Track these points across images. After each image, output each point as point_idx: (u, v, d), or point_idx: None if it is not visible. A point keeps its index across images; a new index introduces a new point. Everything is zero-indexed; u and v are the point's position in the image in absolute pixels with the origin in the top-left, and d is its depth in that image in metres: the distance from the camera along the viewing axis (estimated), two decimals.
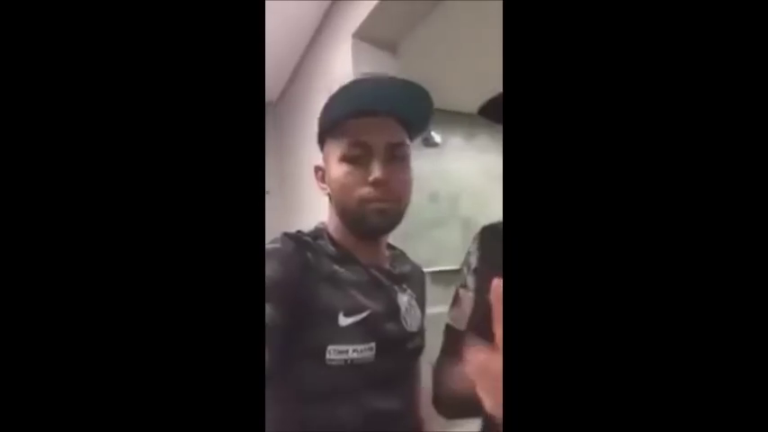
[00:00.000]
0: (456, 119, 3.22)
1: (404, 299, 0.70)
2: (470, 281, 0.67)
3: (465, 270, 0.69)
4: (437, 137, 3.02)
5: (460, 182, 3.23)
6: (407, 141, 0.68)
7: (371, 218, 0.63)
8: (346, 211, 0.65)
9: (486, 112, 0.58)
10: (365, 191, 0.63)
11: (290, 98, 2.66)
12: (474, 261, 0.68)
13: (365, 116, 0.64)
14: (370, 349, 0.62)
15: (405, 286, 0.73)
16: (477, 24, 2.21)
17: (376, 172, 0.62)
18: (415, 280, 0.78)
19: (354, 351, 0.60)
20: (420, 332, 0.72)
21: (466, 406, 0.45)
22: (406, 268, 0.78)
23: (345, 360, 0.60)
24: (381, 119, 0.65)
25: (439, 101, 2.69)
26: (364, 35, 1.68)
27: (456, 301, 0.69)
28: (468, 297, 0.67)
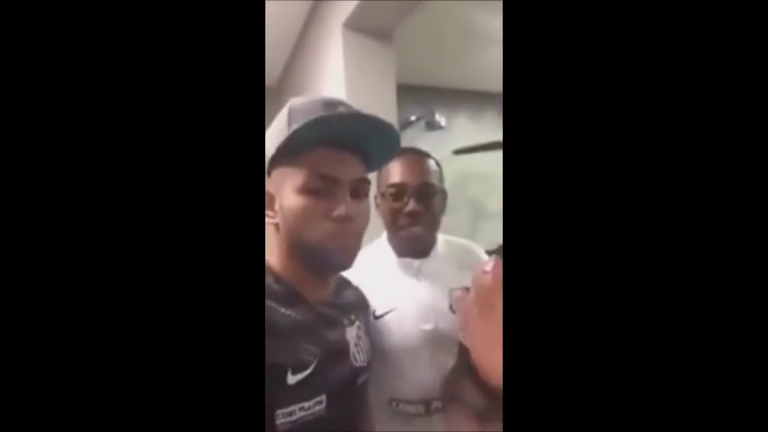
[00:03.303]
0: (461, 98, 3.22)
1: (352, 332, 0.68)
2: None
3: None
4: (441, 119, 2.80)
5: (467, 164, 3.00)
6: (369, 178, 0.66)
7: (333, 256, 0.61)
8: (303, 245, 0.61)
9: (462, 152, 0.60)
10: (327, 226, 0.59)
11: (282, 93, 2.64)
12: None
13: (330, 148, 0.60)
14: (320, 403, 0.58)
15: (353, 317, 0.70)
16: (474, 6, 2.18)
17: (342, 208, 0.59)
18: (359, 306, 0.75)
19: (302, 409, 0.56)
20: (369, 363, 0.71)
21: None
22: (350, 295, 0.75)
23: (294, 421, 0.55)
24: (346, 154, 0.62)
25: (442, 80, 3.29)
26: (355, 25, 1.69)
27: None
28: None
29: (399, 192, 0.91)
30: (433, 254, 0.97)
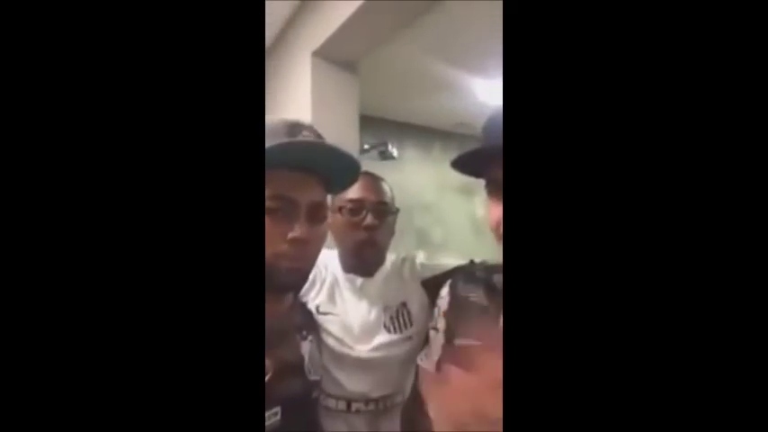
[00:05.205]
0: (412, 132, 3.47)
1: (306, 347, 0.70)
2: (440, 323, 0.70)
3: (436, 312, 0.72)
4: (393, 150, 3.03)
5: (413, 196, 3.18)
6: (327, 203, 0.68)
7: (284, 276, 0.62)
8: None
9: (459, 165, 0.57)
10: (282, 247, 0.60)
11: None
12: (444, 305, 0.71)
13: (291, 171, 0.61)
14: (275, 414, 0.59)
15: (305, 333, 0.72)
16: (434, 49, 2.40)
17: (297, 230, 0.60)
18: (311, 326, 0.79)
19: None
20: (321, 378, 0.74)
21: None
22: (304, 316, 0.79)
23: None
24: (306, 177, 0.63)
25: (396, 114, 3.58)
26: (325, 54, 1.80)
27: (427, 342, 0.73)
28: (438, 339, 0.68)
29: (358, 207, 0.96)
30: (377, 275, 1.01)
